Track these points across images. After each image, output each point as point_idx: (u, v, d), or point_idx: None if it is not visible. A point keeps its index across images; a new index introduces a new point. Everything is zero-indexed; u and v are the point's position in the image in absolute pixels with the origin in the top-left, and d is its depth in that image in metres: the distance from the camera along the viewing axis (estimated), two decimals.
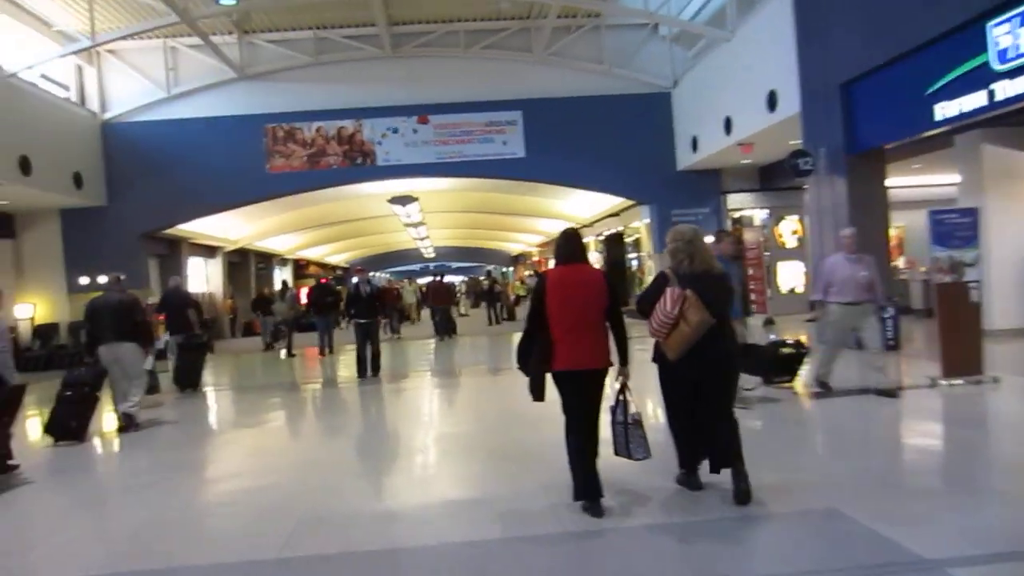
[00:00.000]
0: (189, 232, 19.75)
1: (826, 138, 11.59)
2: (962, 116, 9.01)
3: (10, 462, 6.20)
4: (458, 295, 27.93)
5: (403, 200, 21.82)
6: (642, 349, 5.02)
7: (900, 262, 18.14)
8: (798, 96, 12.37)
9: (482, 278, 50.30)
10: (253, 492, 5.42)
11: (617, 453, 4.45)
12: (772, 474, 4.75)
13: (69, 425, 7.45)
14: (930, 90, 9.35)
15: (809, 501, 4.41)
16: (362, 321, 11.36)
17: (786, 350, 7.77)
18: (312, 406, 10.07)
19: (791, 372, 7.79)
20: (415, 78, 18.00)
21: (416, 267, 70.26)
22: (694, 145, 17.37)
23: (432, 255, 54.11)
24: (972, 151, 11.76)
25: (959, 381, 7.49)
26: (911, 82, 9.75)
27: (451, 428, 7.92)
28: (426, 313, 24.43)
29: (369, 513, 4.78)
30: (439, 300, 19.23)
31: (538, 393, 4.35)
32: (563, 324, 4.27)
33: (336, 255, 42.73)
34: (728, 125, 15.33)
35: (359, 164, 18.10)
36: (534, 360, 4.37)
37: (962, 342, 7.52)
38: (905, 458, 5.66)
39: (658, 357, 4.54)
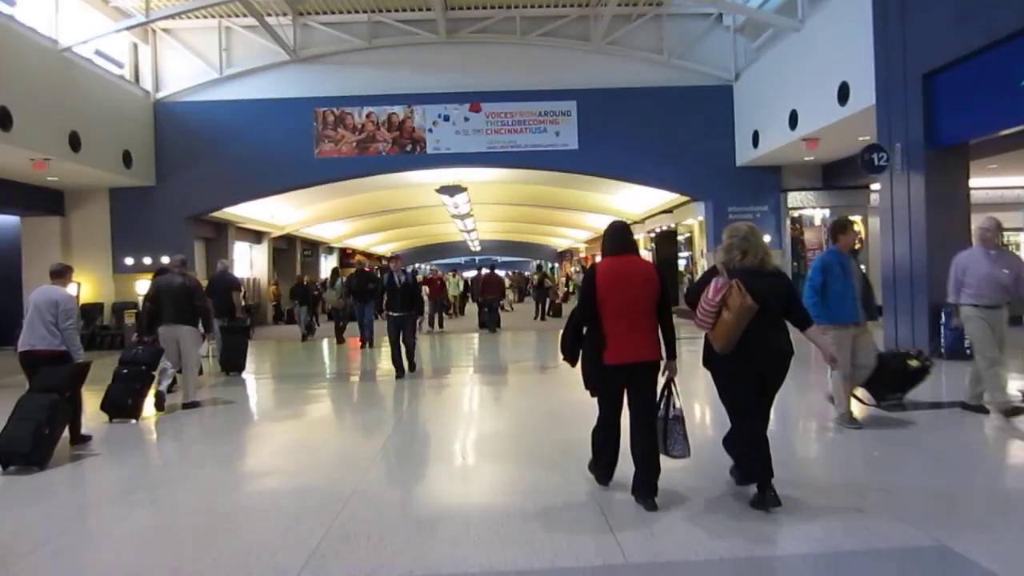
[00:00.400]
0: (236, 216, 19.72)
1: (903, 132, 10.81)
2: None
3: (83, 432, 6.61)
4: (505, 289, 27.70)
5: (451, 190, 21.45)
6: (691, 351, 4.67)
7: None
8: (872, 88, 11.61)
9: (528, 273, 49.96)
10: (281, 495, 5.01)
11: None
12: None
13: (124, 402, 7.54)
14: None
15: None
16: (396, 315, 10.33)
17: (913, 363, 6.77)
18: (351, 400, 9.66)
19: (904, 390, 6.84)
20: (469, 64, 17.61)
21: (461, 260, 70.48)
22: (755, 140, 16.63)
23: (478, 248, 53.96)
24: None
25: None
26: (1004, 72, 8.96)
27: (496, 428, 7.48)
28: (470, 308, 24.13)
29: (404, 526, 4.32)
30: (490, 292, 18.85)
31: (596, 386, 4.37)
32: (614, 316, 4.21)
33: (382, 244, 42.79)
34: (793, 119, 14.57)
35: (408, 151, 17.79)
36: (588, 353, 4.33)
37: None
38: None
39: (709, 360, 4.41)
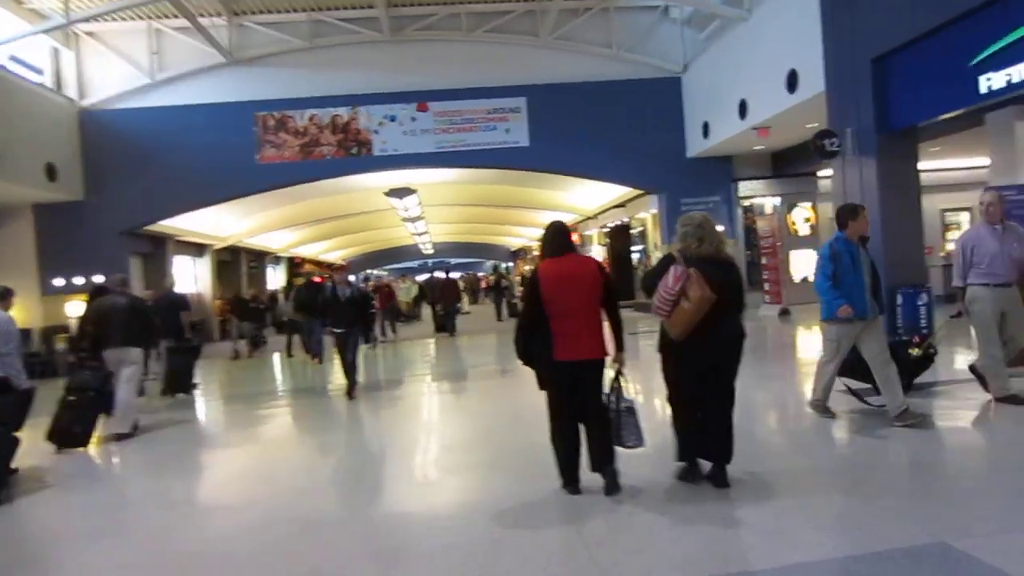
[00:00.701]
0: (175, 229, 18.81)
1: (854, 117, 10.73)
2: (1011, 87, 8.14)
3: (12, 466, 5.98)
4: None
5: (401, 193, 20.90)
6: (651, 345, 4.79)
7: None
8: (821, 75, 11.54)
9: (481, 274, 49.58)
10: (239, 534, 4.48)
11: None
12: None
13: (74, 431, 7.16)
14: (975, 60, 8.51)
15: None
16: (339, 331, 9.38)
17: (915, 351, 6.33)
18: (303, 420, 9.02)
19: (910, 380, 6.29)
20: (414, 63, 17.12)
21: (414, 264, 69.79)
22: (705, 131, 16.55)
23: (431, 251, 53.30)
24: (1005, 129, 10.95)
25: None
26: (954, 53, 8.87)
27: (457, 438, 7.08)
28: (426, 312, 23.61)
29: (368, 561, 3.91)
30: (448, 297, 18.52)
31: (550, 380, 4.42)
32: (559, 316, 4.27)
33: (333, 252, 41.90)
34: (743, 108, 14.50)
35: (354, 154, 17.23)
36: (540, 352, 4.39)
37: None
38: None
39: (663, 344, 4.48)
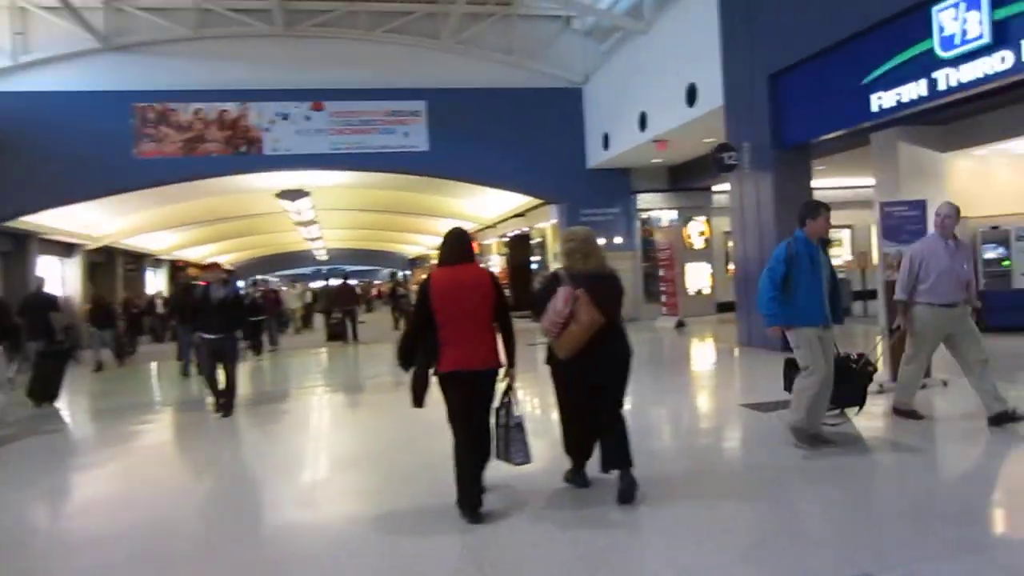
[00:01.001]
0: (40, 226, 17.22)
1: (751, 133, 11.02)
2: (900, 107, 8.50)
3: None
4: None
5: (293, 195, 19.99)
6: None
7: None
8: (720, 89, 11.81)
9: (377, 282, 48.55)
10: None
11: (496, 456, 4.34)
12: None
13: None
14: (867, 79, 8.85)
15: None
16: (210, 337, 8.22)
17: (854, 366, 5.62)
18: (176, 439, 8.10)
19: (860, 396, 5.63)
20: (309, 60, 16.40)
21: (308, 270, 67.80)
22: (605, 142, 16.69)
23: (325, 257, 51.73)
24: (888, 150, 11.51)
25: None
26: (847, 72, 9.23)
27: (348, 457, 6.54)
28: (317, 320, 22.69)
29: None
30: (345, 302, 17.62)
31: (418, 397, 4.27)
32: (449, 325, 4.17)
33: (220, 256, 39.85)
34: (643, 121, 14.68)
35: (243, 153, 16.32)
36: (418, 364, 4.29)
37: None
38: None
39: (552, 359, 4.45)
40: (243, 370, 9.20)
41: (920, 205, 7.76)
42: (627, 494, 4.23)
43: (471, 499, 4.13)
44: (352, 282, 20.04)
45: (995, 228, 11.45)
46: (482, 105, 17.10)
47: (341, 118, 16.66)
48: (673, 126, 13.51)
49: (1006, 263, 11.34)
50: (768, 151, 10.63)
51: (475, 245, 25.61)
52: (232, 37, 16.10)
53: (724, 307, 18.54)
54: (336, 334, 17.50)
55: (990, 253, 11.46)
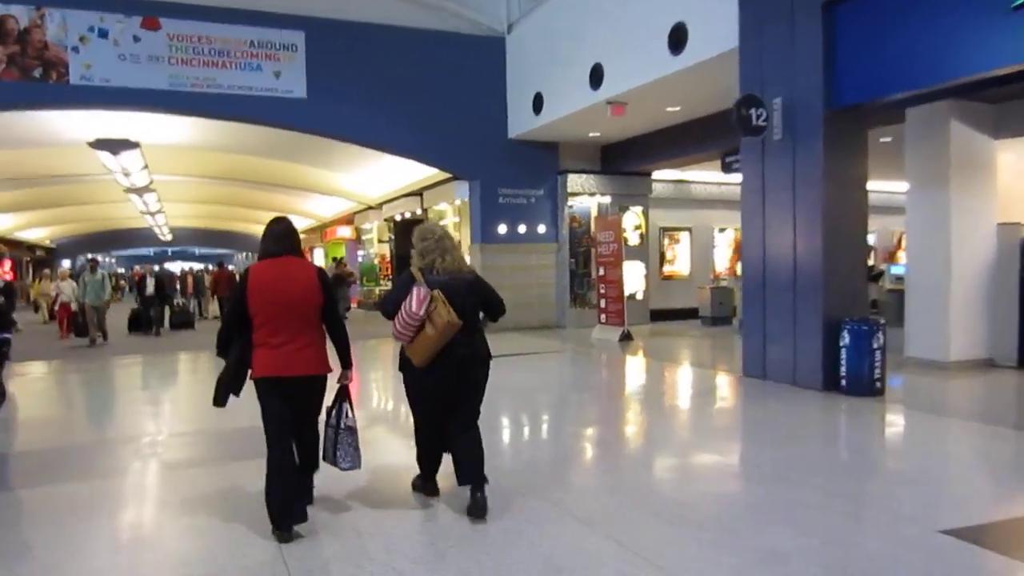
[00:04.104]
0: None
1: (788, 84, 7.87)
2: None
3: None
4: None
5: (114, 146, 14.99)
6: None
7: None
8: (722, 28, 8.69)
9: (211, 267, 42.89)
10: None
11: (323, 458, 4.08)
12: None
13: None
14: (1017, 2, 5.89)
15: None
16: None
17: None
18: None
19: None
20: None
21: (150, 251, 60.92)
22: (537, 105, 13.22)
23: (169, 237, 45.15)
24: (934, 129, 8.86)
25: None
26: None
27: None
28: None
29: None
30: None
31: (220, 398, 3.88)
32: (267, 326, 3.75)
33: (28, 230, 33.04)
34: (597, 75, 11.36)
35: (38, 79, 11.51)
36: (229, 364, 3.85)
37: None
38: None
39: (404, 365, 4.15)
40: None
41: None
42: (477, 510, 3.96)
43: (282, 518, 3.71)
44: (197, 266, 16.69)
45: None
46: (378, 47, 13.18)
47: (186, 43, 12.15)
48: (647, 80, 10.22)
49: None
50: (816, 111, 7.52)
51: (351, 229, 21.27)
52: None
53: (658, 315, 15.68)
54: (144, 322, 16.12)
55: None
